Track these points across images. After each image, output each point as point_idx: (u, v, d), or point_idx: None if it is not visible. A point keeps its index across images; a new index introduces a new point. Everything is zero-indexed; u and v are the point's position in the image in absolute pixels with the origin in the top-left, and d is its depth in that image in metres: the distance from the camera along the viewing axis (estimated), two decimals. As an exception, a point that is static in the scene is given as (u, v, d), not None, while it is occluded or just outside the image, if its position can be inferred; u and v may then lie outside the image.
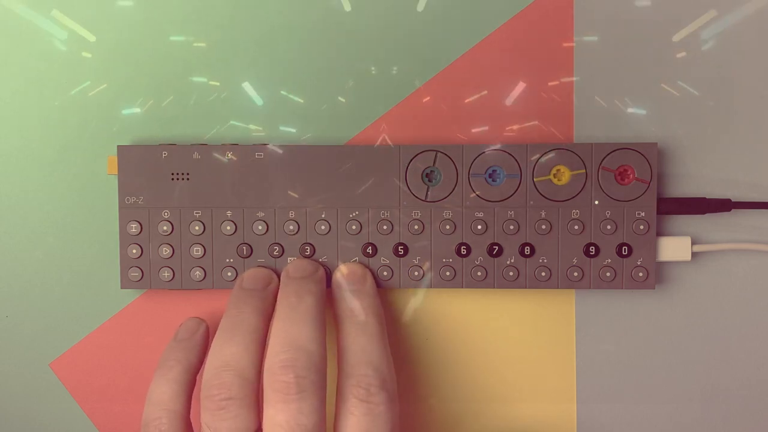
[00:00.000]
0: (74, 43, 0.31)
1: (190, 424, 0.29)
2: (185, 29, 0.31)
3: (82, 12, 0.31)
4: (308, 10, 0.31)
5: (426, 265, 0.31)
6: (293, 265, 0.30)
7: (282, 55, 0.31)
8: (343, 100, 0.31)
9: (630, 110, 0.31)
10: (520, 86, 0.31)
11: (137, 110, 0.32)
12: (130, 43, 0.31)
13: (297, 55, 0.31)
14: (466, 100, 0.31)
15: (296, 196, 0.31)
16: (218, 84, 0.31)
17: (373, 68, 0.31)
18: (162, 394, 0.29)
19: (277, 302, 0.29)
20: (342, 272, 0.31)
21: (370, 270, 0.31)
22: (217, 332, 0.29)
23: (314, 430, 0.26)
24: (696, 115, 0.31)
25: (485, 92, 0.31)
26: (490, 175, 0.31)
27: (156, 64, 0.31)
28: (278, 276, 0.31)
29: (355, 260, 0.31)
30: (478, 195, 0.31)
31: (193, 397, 0.30)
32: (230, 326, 0.28)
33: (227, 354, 0.27)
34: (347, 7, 0.31)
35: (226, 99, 0.32)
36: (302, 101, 0.32)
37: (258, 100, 0.32)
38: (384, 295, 0.32)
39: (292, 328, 0.27)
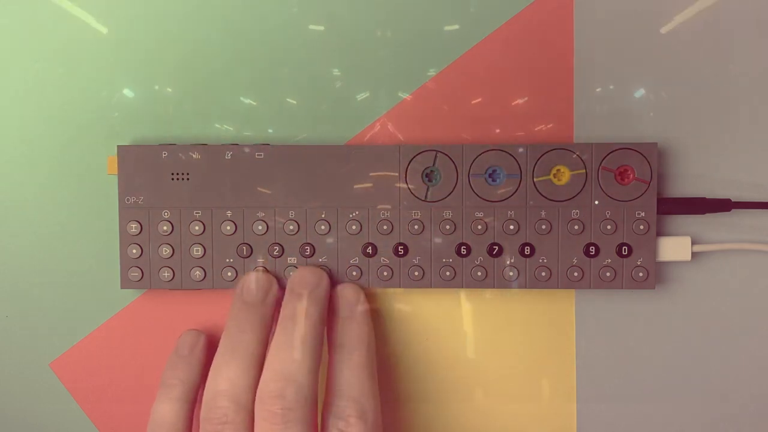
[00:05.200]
0: (77, 43, 0.31)
1: None
2: (187, 29, 0.31)
3: (83, 11, 0.31)
4: (306, 10, 0.31)
5: (426, 265, 0.31)
6: (297, 276, 0.30)
7: (278, 56, 0.31)
8: (342, 100, 0.31)
9: (630, 110, 0.31)
10: (520, 86, 0.31)
11: (137, 110, 0.32)
12: (133, 43, 0.31)
13: (294, 56, 0.31)
14: (466, 100, 0.31)
15: (296, 196, 0.31)
16: (220, 85, 0.32)
17: (372, 68, 0.31)
18: (165, 413, 0.29)
19: (277, 322, 0.29)
20: (338, 294, 0.31)
21: (364, 291, 0.31)
22: (218, 350, 0.29)
23: None
24: (696, 115, 0.31)
25: (485, 92, 0.31)
26: (490, 175, 0.31)
27: (158, 65, 0.31)
28: (278, 282, 0.31)
29: (355, 260, 0.31)
30: (478, 195, 0.31)
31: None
32: (230, 346, 0.29)
33: (225, 378, 0.28)
34: (345, 6, 0.31)
35: (228, 100, 0.32)
36: (301, 101, 0.32)
37: (256, 101, 0.32)
38: (384, 295, 0.32)
39: (285, 355, 0.28)
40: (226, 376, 0.28)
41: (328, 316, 0.31)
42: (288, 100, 0.32)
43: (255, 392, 0.28)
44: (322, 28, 0.31)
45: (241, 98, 0.32)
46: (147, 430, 0.29)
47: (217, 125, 0.32)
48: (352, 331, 0.30)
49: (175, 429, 0.29)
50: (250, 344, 0.29)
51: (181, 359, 0.31)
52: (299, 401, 0.27)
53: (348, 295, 0.31)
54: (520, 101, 0.31)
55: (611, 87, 0.31)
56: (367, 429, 0.28)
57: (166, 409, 0.29)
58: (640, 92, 0.31)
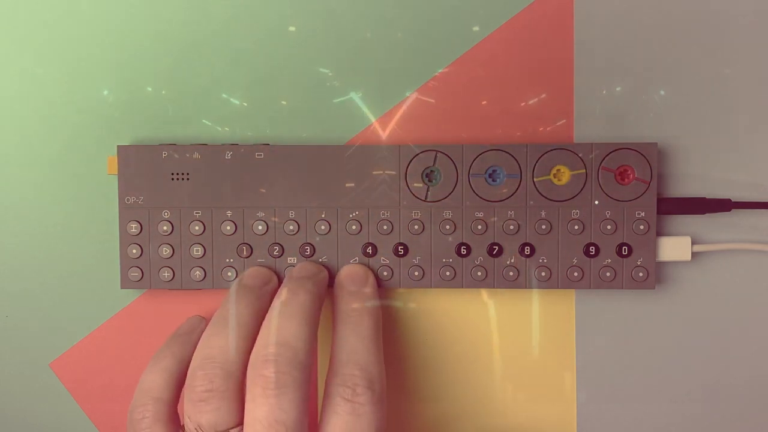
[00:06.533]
0: (77, 43, 0.31)
1: (177, 414, 0.29)
2: (188, 29, 0.31)
3: (82, 12, 0.31)
4: (305, 11, 0.31)
5: (426, 265, 0.31)
6: (297, 266, 0.31)
7: (278, 55, 0.31)
8: (342, 100, 0.32)
9: (630, 110, 0.31)
10: (520, 86, 0.31)
11: (138, 109, 0.32)
12: (131, 43, 0.31)
13: (295, 56, 0.31)
14: (466, 100, 0.31)
15: (296, 196, 0.31)
16: (221, 85, 0.32)
17: (372, 68, 0.31)
18: (151, 382, 0.29)
19: (273, 299, 0.29)
20: (344, 273, 0.31)
21: (373, 271, 0.31)
22: (209, 325, 0.29)
23: (293, 426, 0.26)
24: (696, 115, 0.31)
25: (485, 92, 0.31)
26: (490, 175, 0.31)
27: (159, 64, 0.31)
28: (279, 278, 0.31)
29: (355, 260, 0.31)
30: (478, 195, 0.31)
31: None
32: (221, 319, 0.28)
33: (213, 346, 0.27)
34: (346, 6, 0.31)
35: (227, 101, 0.32)
36: (301, 101, 0.32)
37: (257, 102, 0.32)
38: (384, 296, 0.32)
39: (279, 323, 0.27)
40: (215, 344, 0.27)
41: (336, 291, 0.30)
42: (288, 100, 0.32)
43: (244, 363, 0.27)
44: (323, 27, 0.31)
45: (243, 99, 0.32)
46: (133, 398, 0.29)
47: (215, 126, 0.32)
48: (361, 302, 0.29)
49: (159, 399, 0.28)
50: (242, 317, 0.28)
51: (178, 338, 0.30)
52: (294, 366, 0.26)
53: (357, 271, 0.30)
54: (520, 101, 0.31)
55: (611, 87, 0.31)
56: (374, 399, 0.27)
57: (153, 378, 0.29)
58: (640, 92, 0.31)
